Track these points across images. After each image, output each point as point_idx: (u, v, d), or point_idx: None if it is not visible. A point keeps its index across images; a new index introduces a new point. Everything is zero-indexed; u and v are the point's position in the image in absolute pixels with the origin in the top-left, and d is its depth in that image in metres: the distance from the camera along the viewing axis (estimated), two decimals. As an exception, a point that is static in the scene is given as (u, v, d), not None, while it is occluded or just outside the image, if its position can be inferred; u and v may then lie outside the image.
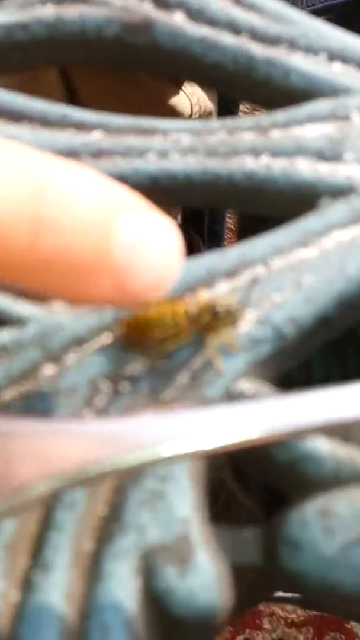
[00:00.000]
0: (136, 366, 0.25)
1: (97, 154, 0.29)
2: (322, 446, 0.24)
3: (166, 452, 0.21)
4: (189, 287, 0.26)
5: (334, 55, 0.31)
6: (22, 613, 0.21)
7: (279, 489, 0.25)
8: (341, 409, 0.22)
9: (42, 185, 0.21)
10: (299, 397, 0.22)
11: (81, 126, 0.30)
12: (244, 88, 0.31)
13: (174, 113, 0.71)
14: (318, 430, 0.22)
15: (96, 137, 0.30)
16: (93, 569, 0.22)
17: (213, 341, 0.25)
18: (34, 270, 0.22)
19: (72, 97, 0.67)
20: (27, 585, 0.22)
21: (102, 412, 0.24)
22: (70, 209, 0.22)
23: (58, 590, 0.22)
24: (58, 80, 0.66)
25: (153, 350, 0.25)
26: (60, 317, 0.26)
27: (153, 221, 0.23)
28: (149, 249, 0.23)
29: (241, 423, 0.22)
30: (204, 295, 0.26)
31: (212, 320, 0.25)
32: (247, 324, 0.25)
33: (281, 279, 0.26)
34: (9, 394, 0.25)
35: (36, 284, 0.23)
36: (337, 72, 0.31)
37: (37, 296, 0.25)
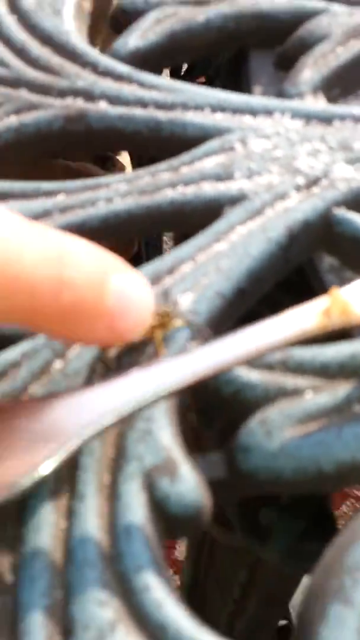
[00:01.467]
0: (117, 348, 0.26)
1: (64, 209, 0.31)
2: (254, 376, 0.26)
3: (150, 396, 0.23)
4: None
5: (214, 108, 0.33)
6: (70, 533, 0.22)
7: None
8: (252, 344, 0.23)
9: (63, 254, 0.22)
10: (227, 339, 0.23)
11: (49, 193, 0.31)
12: (156, 146, 0.33)
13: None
14: (245, 360, 0.23)
15: (61, 199, 0.31)
16: (112, 493, 0.23)
17: (158, 334, 0.26)
18: (53, 317, 0.23)
19: None
20: (70, 513, 0.23)
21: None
22: (81, 271, 0.22)
23: (91, 512, 0.23)
24: None
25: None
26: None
27: (134, 278, 0.24)
28: (132, 298, 0.24)
29: (189, 367, 0.23)
30: (162, 307, 0.27)
31: (165, 321, 0.26)
32: (187, 304, 0.27)
33: (205, 267, 0.28)
34: (34, 388, 0.26)
35: (52, 328, 0.23)
36: (219, 119, 0.33)
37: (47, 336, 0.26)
